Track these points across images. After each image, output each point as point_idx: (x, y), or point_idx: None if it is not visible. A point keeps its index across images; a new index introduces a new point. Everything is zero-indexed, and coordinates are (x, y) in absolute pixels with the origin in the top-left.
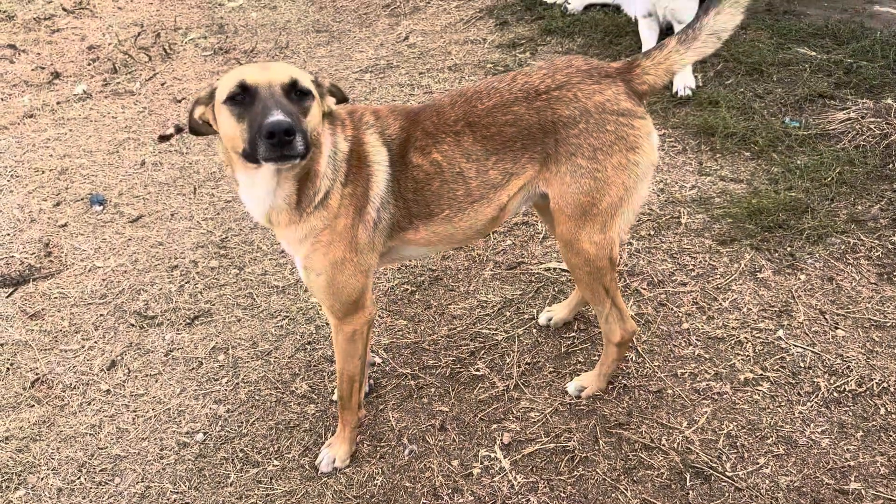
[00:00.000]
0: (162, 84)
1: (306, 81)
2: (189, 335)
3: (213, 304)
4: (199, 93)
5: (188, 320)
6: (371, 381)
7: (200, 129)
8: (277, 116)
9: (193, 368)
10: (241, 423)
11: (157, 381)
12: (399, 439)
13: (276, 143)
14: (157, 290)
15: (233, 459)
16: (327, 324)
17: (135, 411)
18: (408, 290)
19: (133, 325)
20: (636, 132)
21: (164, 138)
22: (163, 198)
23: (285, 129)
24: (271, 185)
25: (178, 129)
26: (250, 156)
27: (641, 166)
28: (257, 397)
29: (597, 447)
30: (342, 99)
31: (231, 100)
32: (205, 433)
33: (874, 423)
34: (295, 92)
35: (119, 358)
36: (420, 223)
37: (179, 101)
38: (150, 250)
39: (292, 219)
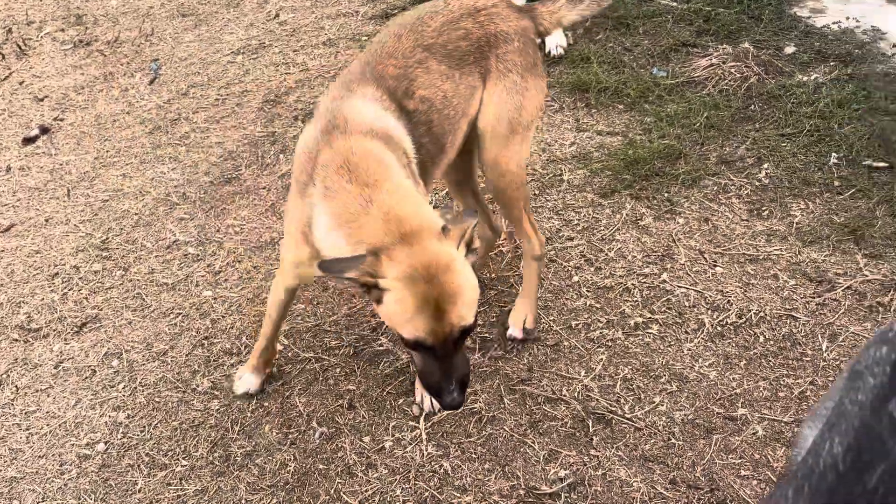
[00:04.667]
0: (20, 83)
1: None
2: (78, 344)
3: (101, 309)
4: (363, 266)
5: (76, 329)
6: (274, 367)
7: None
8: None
9: (87, 377)
10: (144, 427)
11: (48, 396)
12: (308, 423)
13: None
14: (39, 300)
15: (139, 465)
16: (223, 317)
17: (28, 429)
18: None
19: (17, 340)
20: (541, 63)
21: (28, 141)
22: (34, 203)
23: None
24: None
25: (44, 130)
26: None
27: (543, 95)
28: (158, 399)
29: (502, 405)
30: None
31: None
32: (106, 442)
33: (755, 350)
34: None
35: (4, 376)
36: (437, 161)
37: (42, 100)
38: (27, 260)
39: None
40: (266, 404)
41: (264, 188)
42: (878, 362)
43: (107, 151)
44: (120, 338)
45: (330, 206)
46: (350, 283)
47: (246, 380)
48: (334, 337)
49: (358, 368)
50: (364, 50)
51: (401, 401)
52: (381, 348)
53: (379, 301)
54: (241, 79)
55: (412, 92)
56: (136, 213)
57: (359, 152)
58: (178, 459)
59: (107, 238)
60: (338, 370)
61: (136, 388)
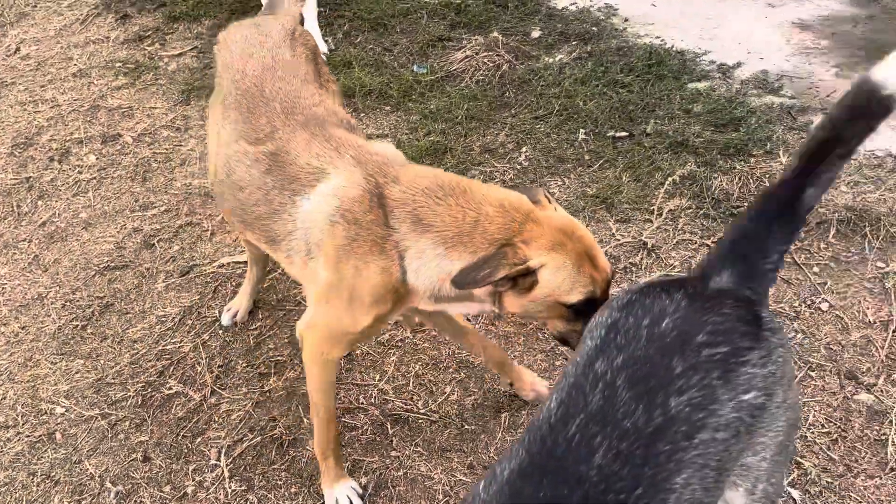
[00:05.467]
0: None
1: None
2: None
3: None
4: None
5: None
6: (59, 434)
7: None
8: None
9: None
10: None
11: None
12: (102, 485)
13: None
14: None
15: None
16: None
17: None
18: (77, 326)
19: None
20: None
21: None
22: None
23: None
24: None
25: None
26: None
27: None
28: None
29: (302, 426)
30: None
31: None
32: None
33: (527, 327)
34: None
35: None
36: None
37: None
38: None
39: None
40: (53, 473)
41: (24, 240)
42: (597, 326)
43: None
44: None
45: (434, 234)
46: (500, 284)
47: (341, 491)
48: (119, 388)
49: (149, 417)
50: (234, 105)
51: (198, 441)
52: (170, 391)
53: (531, 287)
54: None
55: (346, 122)
56: None
57: (428, 173)
58: None
59: None
60: (127, 423)
61: None
